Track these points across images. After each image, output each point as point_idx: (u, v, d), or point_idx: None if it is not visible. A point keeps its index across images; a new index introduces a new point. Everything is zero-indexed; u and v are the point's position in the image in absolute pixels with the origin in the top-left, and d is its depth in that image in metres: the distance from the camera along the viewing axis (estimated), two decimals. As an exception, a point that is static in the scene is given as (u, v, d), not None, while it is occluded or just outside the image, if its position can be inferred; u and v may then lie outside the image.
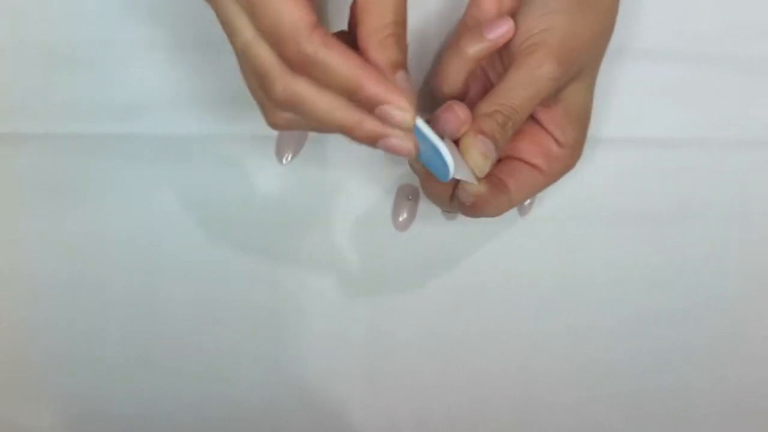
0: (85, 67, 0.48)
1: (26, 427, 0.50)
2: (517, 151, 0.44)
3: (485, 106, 0.40)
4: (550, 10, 0.41)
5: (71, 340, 0.50)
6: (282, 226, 0.49)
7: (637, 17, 0.49)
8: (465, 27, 0.45)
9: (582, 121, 0.44)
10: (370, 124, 0.36)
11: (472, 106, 0.41)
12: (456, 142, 0.40)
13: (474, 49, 0.42)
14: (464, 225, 0.49)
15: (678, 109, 0.50)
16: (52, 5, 0.48)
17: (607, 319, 0.51)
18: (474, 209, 0.42)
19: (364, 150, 0.38)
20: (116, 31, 0.48)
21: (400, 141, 0.36)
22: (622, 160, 0.50)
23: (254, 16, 0.34)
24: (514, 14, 0.42)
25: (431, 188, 0.43)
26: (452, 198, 0.42)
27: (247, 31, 0.35)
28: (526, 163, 0.43)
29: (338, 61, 0.34)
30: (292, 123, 0.37)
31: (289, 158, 0.49)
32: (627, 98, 0.49)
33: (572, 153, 0.44)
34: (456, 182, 0.41)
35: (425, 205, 0.49)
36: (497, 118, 0.40)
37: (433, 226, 0.49)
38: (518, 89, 0.40)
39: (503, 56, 0.43)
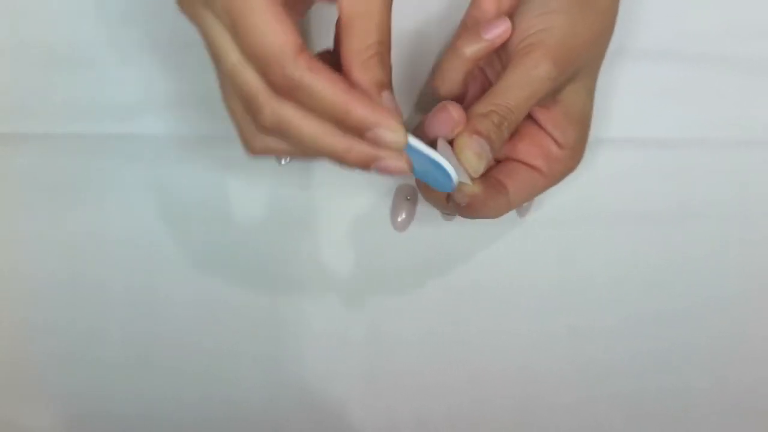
0: (85, 67, 0.48)
1: (26, 427, 0.50)
2: (517, 152, 0.44)
3: (481, 106, 0.40)
4: (548, 10, 0.41)
5: (71, 340, 0.50)
6: (282, 226, 0.49)
7: (637, 17, 0.49)
8: (464, 28, 0.45)
9: (582, 122, 0.43)
10: (361, 148, 0.35)
11: (471, 106, 0.41)
12: (451, 143, 0.40)
13: (471, 49, 0.42)
14: (463, 225, 0.49)
15: (678, 109, 0.50)
16: (52, 5, 0.48)
17: (607, 319, 0.51)
18: (469, 210, 0.42)
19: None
20: (116, 31, 0.48)
21: (394, 162, 0.36)
22: (622, 160, 0.50)
23: (239, 39, 0.34)
24: (512, 14, 0.42)
25: (427, 190, 0.43)
26: (449, 199, 0.42)
27: (233, 55, 0.35)
28: (526, 164, 0.43)
29: (324, 86, 0.34)
30: (271, 149, 0.37)
31: (288, 159, 0.49)
32: (627, 98, 0.49)
33: (573, 155, 0.44)
34: None
35: (424, 206, 0.49)
36: (493, 118, 0.40)
37: (432, 226, 0.49)
38: (514, 89, 0.40)
39: (502, 56, 0.43)
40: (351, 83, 0.35)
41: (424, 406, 0.50)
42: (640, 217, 0.50)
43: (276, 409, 0.50)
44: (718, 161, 0.50)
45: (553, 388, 0.51)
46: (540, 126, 0.43)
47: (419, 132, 0.41)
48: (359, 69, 0.35)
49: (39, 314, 0.50)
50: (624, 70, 0.49)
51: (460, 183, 0.40)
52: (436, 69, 0.43)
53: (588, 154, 0.45)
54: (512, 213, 0.49)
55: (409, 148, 0.36)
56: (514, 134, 0.44)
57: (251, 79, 0.35)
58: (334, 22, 0.37)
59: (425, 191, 0.44)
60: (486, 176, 0.43)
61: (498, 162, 0.44)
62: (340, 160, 0.36)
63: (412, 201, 0.49)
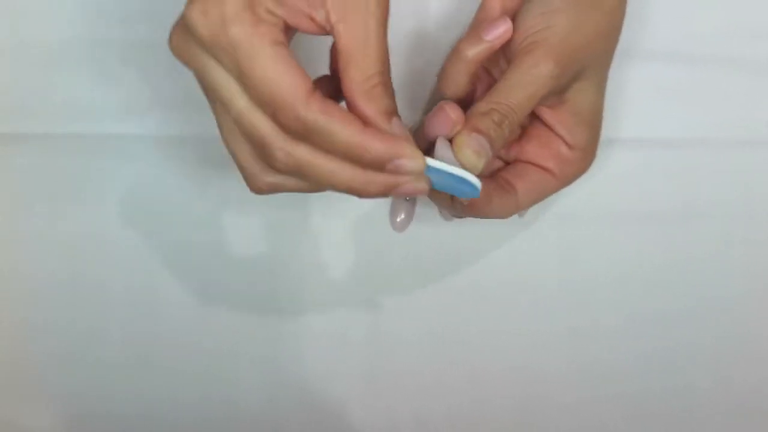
0: (85, 67, 0.48)
1: (26, 427, 0.50)
2: (526, 154, 0.44)
3: (482, 105, 0.40)
4: (550, 9, 0.40)
5: (71, 340, 0.50)
6: (282, 226, 0.49)
7: (642, 18, 0.48)
8: (470, 29, 0.45)
9: (591, 122, 0.43)
10: (380, 179, 0.36)
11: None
12: (452, 142, 0.40)
13: (473, 51, 0.41)
14: (463, 225, 0.49)
15: (682, 110, 0.50)
16: (52, 5, 0.48)
17: (610, 318, 0.51)
18: (472, 209, 0.42)
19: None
20: (116, 31, 0.48)
21: (414, 184, 0.36)
22: (625, 160, 0.49)
23: (247, 85, 0.34)
24: (516, 14, 0.42)
25: (432, 191, 0.43)
26: (453, 199, 0.42)
27: (240, 100, 0.34)
28: (537, 166, 0.43)
29: (339, 127, 0.34)
30: (279, 187, 0.37)
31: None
32: (630, 99, 0.49)
33: (584, 155, 0.43)
34: None
35: (423, 206, 0.49)
36: (493, 117, 0.39)
37: (432, 226, 0.49)
38: (516, 88, 0.40)
39: (507, 56, 0.43)
40: (358, 115, 0.35)
41: (424, 406, 0.50)
42: (643, 217, 0.50)
43: (276, 409, 0.50)
44: (722, 161, 0.50)
45: (555, 388, 0.51)
46: (549, 127, 0.43)
47: (419, 133, 0.41)
48: (364, 100, 0.35)
49: (39, 314, 0.50)
50: (627, 71, 0.49)
51: None
52: (441, 72, 0.43)
53: (592, 155, 0.45)
54: (513, 214, 0.49)
55: (426, 167, 0.36)
56: (523, 136, 0.44)
57: (261, 123, 0.34)
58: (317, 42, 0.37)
59: (430, 192, 0.44)
60: (494, 176, 0.43)
61: (507, 163, 0.44)
62: (358, 193, 0.36)
63: (412, 201, 0.49)
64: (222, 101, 0.35)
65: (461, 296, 0.50)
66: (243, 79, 0.34)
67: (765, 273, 0.51)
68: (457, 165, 0.39)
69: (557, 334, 0.50)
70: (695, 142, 0.50)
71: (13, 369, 0.50)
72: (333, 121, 0.34)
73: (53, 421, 0.50)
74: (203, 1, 0.34)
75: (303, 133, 0.34)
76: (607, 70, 0.43)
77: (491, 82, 0.45)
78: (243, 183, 0.49)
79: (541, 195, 0.44)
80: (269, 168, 0.36)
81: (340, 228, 0.49)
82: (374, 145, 0.34)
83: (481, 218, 0.43)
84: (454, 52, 0.42)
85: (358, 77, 0.35)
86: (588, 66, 0.41)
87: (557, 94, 0.41)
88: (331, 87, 0.37)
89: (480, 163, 0.39)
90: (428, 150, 0.39)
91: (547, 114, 0.43)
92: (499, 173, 0.43)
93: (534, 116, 0.44)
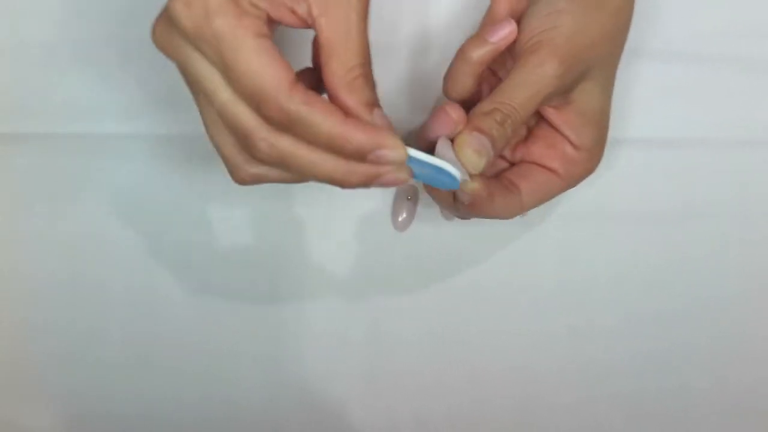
0: (86, 67, 0.48)
1: (26, 427, 0.50)
2: (531, 154, 0.44)
3: (485, 105, 0.40)
4: (556, 10, 0.40)
5: (71, 340, 0.50)
6: (282, 226, 0.49)
7: (642, 19, 0.49)
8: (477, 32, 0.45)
9: (597, 122, 0.43)
10: (362, 170, 0.36)
11: None
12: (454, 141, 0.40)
13: (478, 53, 0.42)
14: (464, 225, 0.49)
15: (680, 109, 0.50)
16: (52, 5, 0.48)
17: (608, 318, 0.51)
18: (474, 208, 0.42)
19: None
20: (116, 31, 0.48)
21: (395, 174, 0.37)
22: (624, 160, 0.50)
23: (230, 77, 0.34)
24: (522, 15, 0.42)
25: (435, 191, 0.43)
26: (455, 199, 0.42)
27: (223, 92, 0.35)
28: (542, 166, 0.43)
29: (321, 118, 0.34)
30: (263, 177, 0.38)
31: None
32: (629, 99, 0.49)
33: (590, 156, 0.43)
34: None
35: (425, 206, 0.49)
36: (495, 116, 0.39)
37: (433, 226, 0.49)
38: (519, 87, 0.40)
39: (513, 57, 0.43)
40: (340, 106, 0.36)
41: (424, 406, 0.50)
42: (641, 216, 0.50)
43: (276, 409, 0.50)
44: (720, 161, 0.50)
45: (553, 387, 0.51)
46: (554, 128, 0.43)
47: (421, 134, 0.42)
48: (346, 92, 0.36)
49: (39, 314, 0.50)
50: (626, 71, 0.49)
51: (462, 181, 0.40)
52: (446, 74, 0.43)
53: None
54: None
55: (408, 157, 0.37)
56: (529, 137, 0.44)
57: (245, 114, 0.35)
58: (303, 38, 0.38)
59: (432, 192, 0.44)
60: (498, 177, 0.43)
61: (512, 164, 0.45)
62: (340, 184, 0.36)
63: (413, 201, 0.49)
64: (205, 93, 0.36)
65: (461, 296, 0.50)
66: (226, 71, 0.34)
67: (761, 273, 0.51)
68: (456, 162, 0.39)
69: (557, 334, 0.50)
70: (692, 141, 0.50)
71: (13, 369, 0.50)
72: (315, 112, 0.34)
73: (53, 421, 0.50)
74: None
75: (286, 124, 0.34)
76: (614, 70, 0.43)
77: (497, 84, 0.45)
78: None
79: (546, 196, 0.44)
80: (252, 159, 0.37)
81: (341, 227, 0.49)
82: (356, 136, 0.35)
83: (484, 218, 0.43)
84: (459, 53, 0.42)
85: (339, 70, 0.36)
86: (593, 66, 0.41)
87: (562, 94, 0.42)
88: (314, 79, 0.38)
89: (481, 163, 0.39)
90: (430, 150, 0.39)
91: (552, 115, 0.43)
92: (504, 174, 0.44)
93: (540, 117, 0.44)
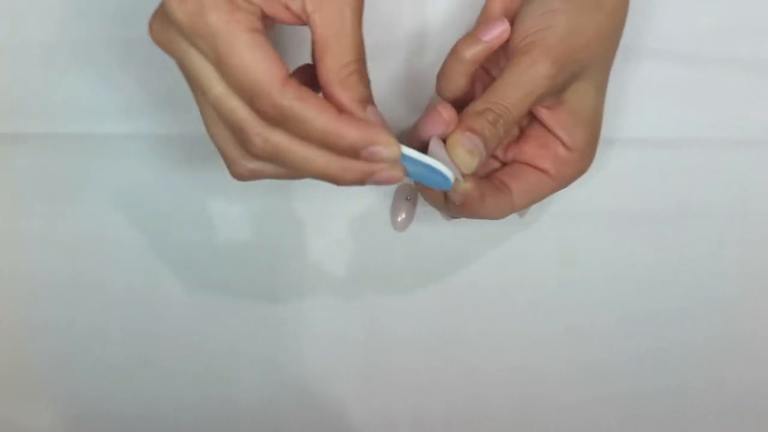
0: (85, 67, 0.48)
1: (26, 427, 0.50)
2: (523, 155, 0.44)
3: (477, 105, 0.40)
4: (550, 10, 0.40)
5: (71, 340, 0.50)
6: (281, 226, 0.50)
7: (637, 17, 0.49)
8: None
9: (590, 123, 0.43)
10: (356, 167, 0.36)
11: None
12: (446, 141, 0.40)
13: (471, 52, 0.42)
14: (462, 225, 0.49)
15: (676, 109, 0.50)
16: (52, 5, 0.48)
17: (605, 318, 0.51)
18: (465, 208, 0.42)
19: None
20: (116, 31, 0.48)
21: (389, 172, 0.37)
22: (620, 160, 0.50)
23: (224, 71, 0.34)
24: (516, 15, 0.42)
25: (427, 190, 0.43)
26: (446, 198, 0.42)
27: (218, 86, 0.35)
28: (534, 167, 0.43)
29: (314, 114, 0.34)
30: (259, 173, 0.38)
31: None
32: (625, 98, 0.49)
33: (582, 156, 0.43)
34: None
35: (424, 206, 0.49)
36: (488, 116, 0.39)
37: (432, 226, 0.49)
38: (512, 87, 0.40)
39: (507, 56, 0.43)
40: (334, 103, 0.36)
41: (422, 405, 0.50)
42: (638, 216, 0.50)
43: (275, 409, 0.50)
44: (717, 161, 0.50)
45: (551, 387, 0.51)
46: (547, 128, 0.43)
47: (413, 134, 0.42)
48: (340, 88, 0.36)
49: (39, 314, 0.50)
50: (622, 71, 0.49)
51: (454, 181, 0.40)
52: (439, 73, 0.43)
53: (586, 155, 0.45)
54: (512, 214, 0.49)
55: (402, 155, 0.37)
56: (521, 137, 0.44)
57: (238, 108, 0.35)
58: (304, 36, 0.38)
59: (424, 191, 0.44)
60: (489, 177, 0.43)
61: (504, 164, 0.45)
62: (334, 181, 0.37)
63: (412, 201, 0.49)
64: (201, 88, 0.36)
65: (460, 296, 0.50)
66: (220, 65, 0.34)
67: (759, 273, 0.51)
68: (449, 162, 0.39)
69: (555, 333, 0.50)
70: (689, 141, 0.50)
71: (13, 369, 0.50)
72: (308, 108, 0.34)
73: (53, 421, 0.50)
74: None
75: (279, 119, 0.35)
76: (608, 71, 0.43)
77: (491, 83, 0.45)
78: (243, 182, 0.49)
79: (538, 196, 0.44)
80: (248, 154, 0.37)
81: (340, 227, 0.50)
82: (349, 132, 0.35)
83: (475, 218, 0.43)
84: (452, 52, 0.42)
85: (333, 66, 0.36)
86: (587, 67, 0.41)
87: (555, 94, 0.42)
88: (313, 76, 0.38)
89: (473, 162, 0.39)
90: (423, 150, 0.39)
91: (545, 115, 0.43)
92: (495, 174, 0.43)
93: (532, 117, 0.44)
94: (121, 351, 0.50)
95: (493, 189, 0.42)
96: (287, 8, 0.36)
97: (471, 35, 0.42)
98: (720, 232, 0.51)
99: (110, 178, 0.49)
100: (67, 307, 0.49)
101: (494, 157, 0.45)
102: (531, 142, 0.43)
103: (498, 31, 0.41)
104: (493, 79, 0.45)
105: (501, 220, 0.44)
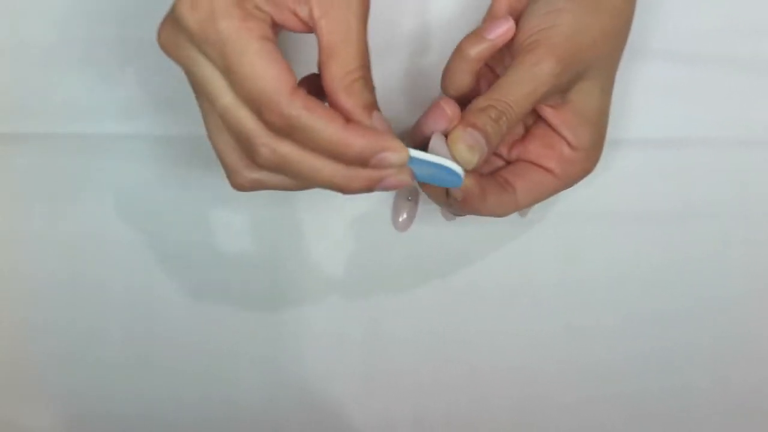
0: (85, 67, 0.48)
1: (26, 427, 0.50)
2: (528, 153, 0.44)
3: (480, 102, 0.40)
4: (555, 8, 0.40)
5: (71, 340, 0.50)
6: (282, 226, 0.50)
7: (642, 17, 0.48)
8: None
9: (595, 123, 0.43)
10: (363, 174, 0.36)
11: None
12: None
13: (475, 50, 0.42)
14: (464, 225, 0.49)
15: (680, 109, 0.50)
16: (52, 5, 0.48)
17: (608, 318, 0.51)
18: (466, 205, 0.41)
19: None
20: (116, 31, 0.48)
21: (397, 177, 0.37)
22: (623, 160, 0.50)
23: (232, 81, 0.34)
24: (522, 13, 0.42)
25: (428, 187, 0.43)
26: (448, 195, 0.42)
27: (226, 96, 0.35)
28: (538, 166, 0.43)
29: (322, 124, 0.34)
30: (262, 184, 0.38)
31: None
32: (628, 98, 0.49)
33: (587, 156, 0.43)
34: None
35: (425, 206, 0.49)
36: (490, 113, 0.39)
37: (433, 226, 0.49)
38: (515, 85, 0.40)
39: (512, 55, 0.43)
40: (339, 109, 0.36)
41: (423, 406, 0.50)
42: (641, 216, 0.50)
43: (275, 409, 0.50)
44: (720, 161, 0.50)
45: (553, 388, 0.51)
46: (552, 127, 0.43)
47: (415, 131, 0.42)
48: (345, 95, 0.36)
49: (39, 314, 0.50)
50: (625, 70, 0.49)
51: None
52: (444, 71, 0.43)
53: (589, 155, 0.45)
54: (513, 213, 0.49)
55: (409, 158, 0.37)
56: (526, 136, 0.44)
57: (246, 119, 0.35)
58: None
59: (426, 188, 0.44)
60: (493, 174, 0.43)
61: (508, 163, 0.44)
62: (341, 190, 0.37)
63: (414, 201, 0.49)
64: (208, 97, 0.36)
65: (461, 296, 0.50)
66: (229, 73, 0.34)
67: (762, 272, 0.51)
68: (450, 159, 0.39)
69: (556, 333, 0.50)
70: (692, 141, 0.50)
71: (13, 369, 0.50)
72: (316, 118, 0.34)
73: (53, 421, 0.50)
74: None
75: (287, 130, 0.34)
76: (614, 71, 0.43)
77: (495, 81, 0.45)
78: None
79: (542, 195, 0.44)
80: (253, 164, 0.37)
81: (340, 227, 0.49)
82: (357, 141, 0.35)
83: (479, 216, 0.43)
84: (457, 50, 0.42)
85: (338, 72, 0.36)
86: (592, 66, 0.41)
87: (560, 93, 0.41)
88: (317, 86, 0.38)
89: (474, 158, 0.39)
90: (424, 147, 0.39)
91: (550, 114, 0.43)
92: (499, 172, 0.43)
93: (538, 116, 0.44)
94: (121, 351, 0.50)
95: (497, 187, 0.42)
96: (295, 15, 0.36)
97: (476, 33, 0.42)
98: (725, 232, 0.50)
99: (110, 178, 0.49)
100: (67, 307, 0.49)
101: (499, 155, 0.45)
102: (536, 141, 0.43)
103: (503, 30, 0.41)
104: (497, 78, 0.45)
105: (504, 220, 0.44)
